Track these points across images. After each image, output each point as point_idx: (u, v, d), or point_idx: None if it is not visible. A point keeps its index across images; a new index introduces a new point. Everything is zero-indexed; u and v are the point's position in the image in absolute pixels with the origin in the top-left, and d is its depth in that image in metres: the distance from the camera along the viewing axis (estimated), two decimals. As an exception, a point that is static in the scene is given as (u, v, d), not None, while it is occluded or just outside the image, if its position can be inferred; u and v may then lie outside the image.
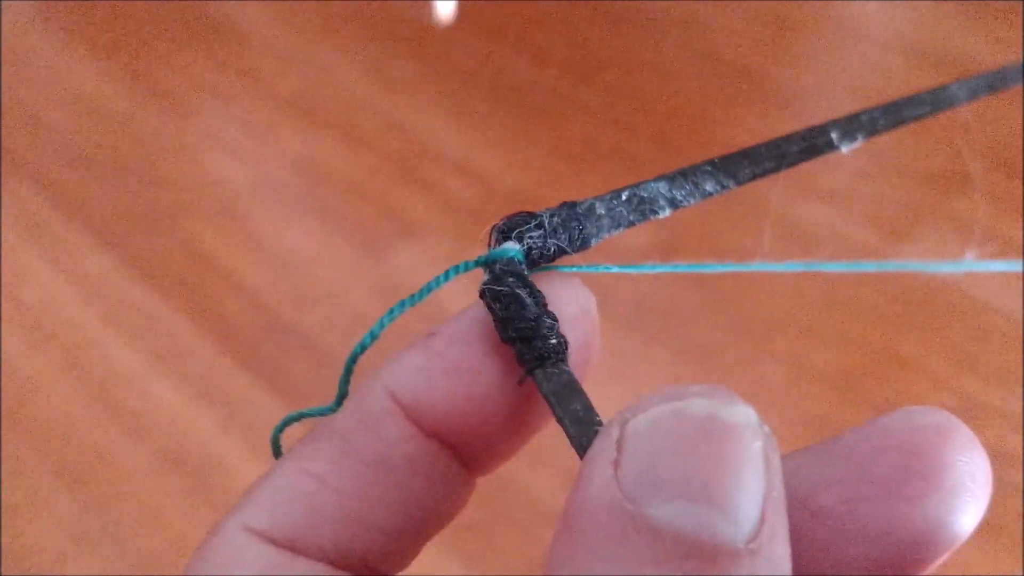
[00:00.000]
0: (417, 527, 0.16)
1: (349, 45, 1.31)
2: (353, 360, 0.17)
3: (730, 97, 1.21)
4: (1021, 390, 0.83)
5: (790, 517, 0.13)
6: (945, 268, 0.20)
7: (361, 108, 1.19)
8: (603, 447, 0.13)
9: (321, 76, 1.25)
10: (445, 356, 0.16)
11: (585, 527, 0.12)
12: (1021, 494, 0.75)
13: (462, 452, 0.16)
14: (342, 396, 0.17)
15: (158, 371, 0.87)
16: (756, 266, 0.18)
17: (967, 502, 0.14)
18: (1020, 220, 1.00)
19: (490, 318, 0.16)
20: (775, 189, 0.99)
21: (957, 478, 0.14)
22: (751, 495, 0.12)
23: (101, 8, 1.36)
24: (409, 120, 1.17)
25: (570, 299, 0.16)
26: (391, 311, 0.17)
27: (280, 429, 0.18)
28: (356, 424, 0.16)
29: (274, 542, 0.15)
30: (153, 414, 0.83)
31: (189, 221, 1.02)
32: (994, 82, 0.24)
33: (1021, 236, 0.99)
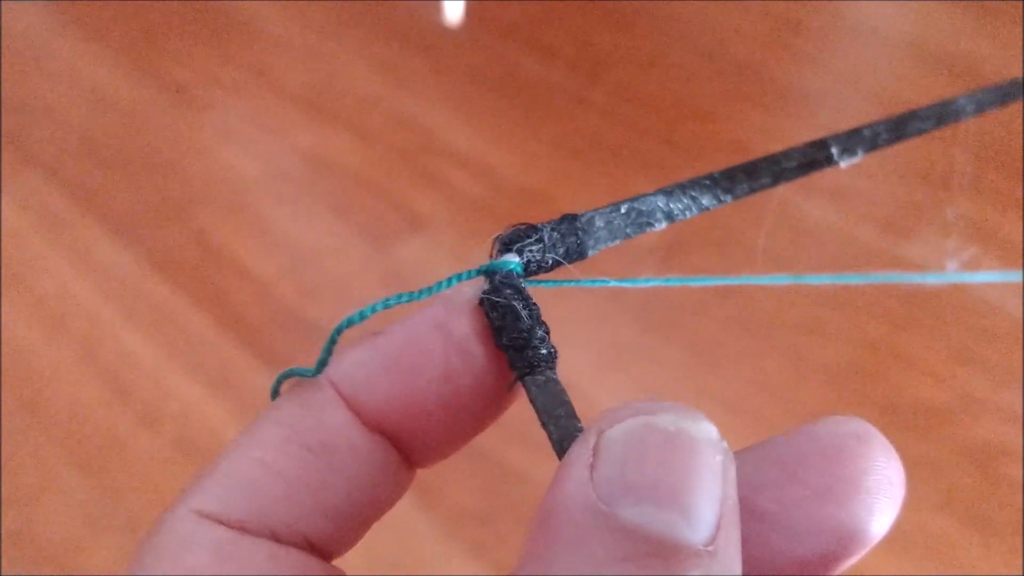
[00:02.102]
0: (357, 512, 0.17)
1: (359, 42, 1.32)
2: (338, 332, 0.17)
3: (737, 96, 1.22)
4: (1021, 387, 0.84)
5: None
6: (928, 279, 0.21)
7: (371, 104, 1.20)
8: (580, 452, 0.14)
9: (331, 72, 1.26)
10: (386, 354, 0.17)
11: (562, 524, 0.13)
12: (1021, 490, 0.76)
13: (400, 444, 0.17)
14: (322, 363, 0.18)
15: (171, 361, 0.88)
16: (745, 280, 0.19)
17: (885, 502, 0.15)
18: (1021, 221, 1.01)
19: (438, 321, 0.17)
20: (780, 187, 1.00)
21: (876, 481, 0.15)
22: (710, 502, 0.13)
23: (115, 4, 1.37)
24: (418, 116, 1.18)
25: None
26: (387, 300, 0.17)
27: (278, 383, 0.18)
28: (299, 412, 0.16)
29: (224, 524, 0.16)
30: (166, 403, 0.85)
31: (201, 213, 1.04)
32: (1003, 95, 0.24)
33: (1022, 237, 0.99)
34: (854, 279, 0.20)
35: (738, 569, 0.13)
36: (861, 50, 1.32)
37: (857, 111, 1.17)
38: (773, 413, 0.83)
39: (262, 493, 0.16)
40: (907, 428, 0.82)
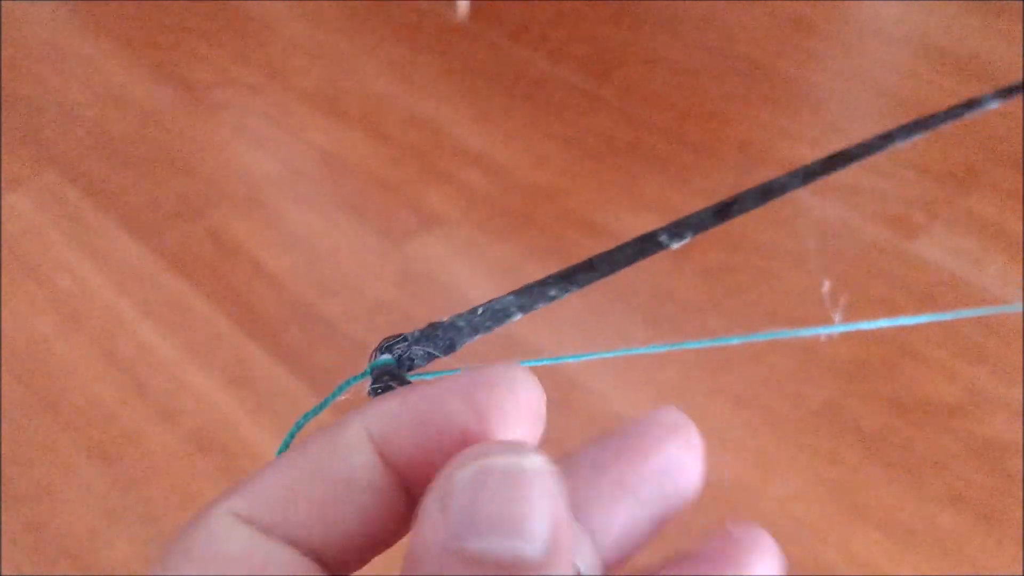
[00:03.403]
0: (368, 542, 0.19)
1: (372, 41, 1.33)
2: (286, 447, 0.20)
3: (747, 94, 1.23)
4: (1022, 382, 0.85)
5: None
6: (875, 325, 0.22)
7: (384, 102, 1.21)
8: (434, 497, 0.16)
9: (345, 71, 1.27)
10: (413, 409, 0.19)
11: (423, 562, 0.16)
12: (1021, 483, 0.77)
13: (413, 488, 0.19)
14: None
15: (187, 356, 0.89)
16: (650, 349, 0.22)
17: (684, 478, 0.20)
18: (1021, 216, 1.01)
19: (466, 390, 0.19)
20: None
21: (675, 459, 0.20)
22: (543, 522, 0.15)
23: (131, 4, 1.39)
24: (430, 114, 1.19)
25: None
26: (307, 414, 0.20)
27: (286, 444, 0.21)
28: (329, 447, 0.19)
29: (254, 525, 0.18)
30: (183, 397, 0.86)
31: (217, 211, 1.05)
32: (824, 167, 0.27)
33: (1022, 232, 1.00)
34: (734, 339, 0.24)
35: (570, 568, 0.16)
36: (869, 48, 1.32)
37: (865, 108, 1.17)
38: (782, 409, 0.83)
39: (288, 511, 0.18)
40: (916, 424, 0.82)
